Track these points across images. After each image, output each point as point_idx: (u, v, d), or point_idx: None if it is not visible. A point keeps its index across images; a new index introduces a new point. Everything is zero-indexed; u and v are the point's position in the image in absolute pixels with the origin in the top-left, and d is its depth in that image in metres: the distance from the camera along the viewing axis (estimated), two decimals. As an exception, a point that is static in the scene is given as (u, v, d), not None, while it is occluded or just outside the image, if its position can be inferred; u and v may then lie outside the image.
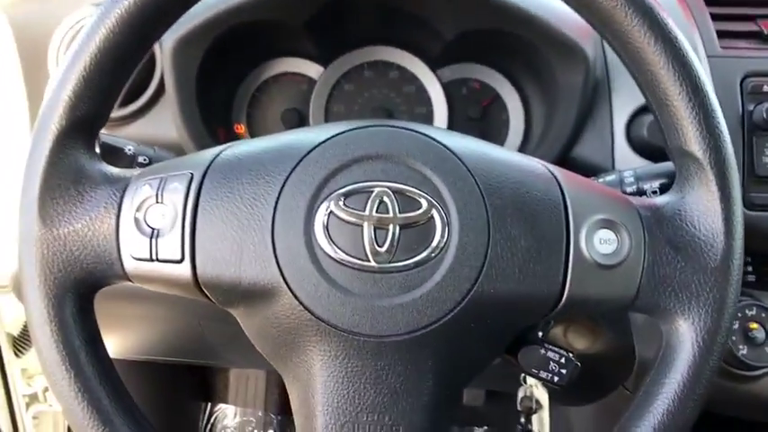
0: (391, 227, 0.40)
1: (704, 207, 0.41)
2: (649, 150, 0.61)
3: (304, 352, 0.41)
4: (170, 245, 0.41)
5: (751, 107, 0.59)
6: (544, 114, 0.69)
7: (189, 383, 1.28)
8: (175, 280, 0.41)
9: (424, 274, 0.39)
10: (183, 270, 0.41)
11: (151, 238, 0.41)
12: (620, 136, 0.62)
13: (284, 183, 0.41)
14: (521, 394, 0.70)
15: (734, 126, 0.59)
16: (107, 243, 0.41)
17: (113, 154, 0.55)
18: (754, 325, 0.61)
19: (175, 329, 0.95)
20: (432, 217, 0.40)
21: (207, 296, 0.42)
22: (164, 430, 1.16)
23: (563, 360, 0.49)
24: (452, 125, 0.75)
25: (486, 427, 1.19)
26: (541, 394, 0.63)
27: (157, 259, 0.41)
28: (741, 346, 0.60)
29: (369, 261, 0.39)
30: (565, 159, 0.65)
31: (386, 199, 0.40)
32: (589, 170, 0.59)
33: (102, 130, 0.46)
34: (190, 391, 1.30)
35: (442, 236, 0.40)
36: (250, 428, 1.34)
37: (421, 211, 0.40)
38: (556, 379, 0.49)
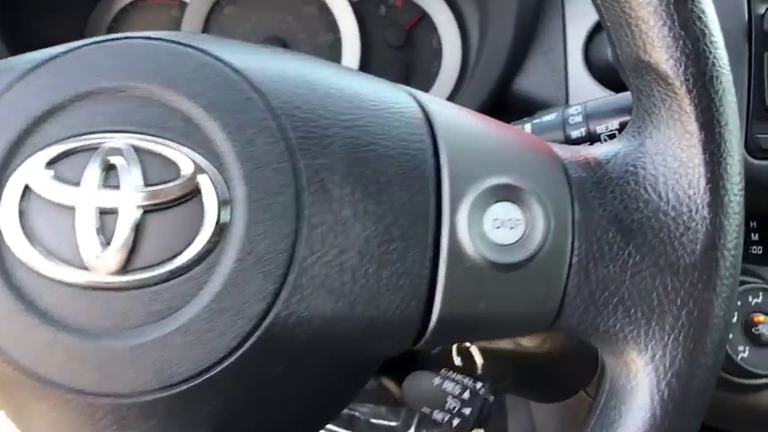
0: (126, 211, 0.23)
1: (675, 159, 0.25)
2: (616, 79, 0.43)
3: (24, 412, 0.26)
4: None
5: (762, 10, 0.40)
6: (480, 36, 0.51)
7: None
8: None
9: (185, 291, 0.23)
10: None
11: None
12: (575, 60, 0.45)
13: None
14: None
15: (736, 36, 0.40)
16: None
17: None
18: (760, 317, 0.44)
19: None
20: (199, 191, 0.23)
21: None
22: None
23: (466, 395, 0.33)
24: (367, 56, 0.57)
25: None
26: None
27: None
28: (741, 348, 0.44)
29: (87, 270, 0.23)
30: (504, 95, 0.48)
31: (119, 162, 0.23)
32: (536, 109, 0.42)
33: None
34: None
35: (218, 224, 0.23)
36: None
37: (180, 181, 0.23)
38: (455, 422, 0.33)
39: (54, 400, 0.24)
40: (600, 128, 0.35)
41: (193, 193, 0.23)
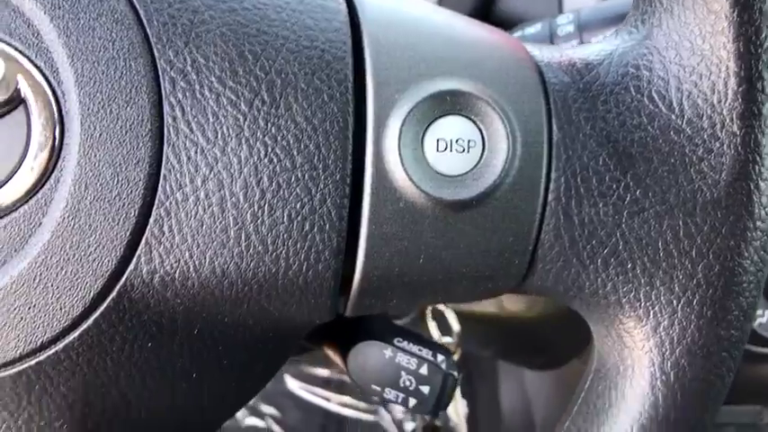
0: None
1: (694, 53, 0.18)
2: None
3: None
4: None
5: None
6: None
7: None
8: None
9: (6, 240, 0.17)
10: None
11: None
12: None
13: None
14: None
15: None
16: None
17: None
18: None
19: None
20: (21, 100, 0.17)
21: None
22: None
23: (424, 369, 0.26)
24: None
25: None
26: (454, 408, 0.42)
27: None
28: (759, 311, 0.38)
29: None
30: (487, 16, 0.41)
31: None
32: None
33: None
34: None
35: (50, 147, 0.17)
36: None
37: None
38: (412, 402, 0.27)
39: None
40: (596, 40, 0.28)
41: (13, 102, 0.17)
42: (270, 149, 0.17)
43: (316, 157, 0.17)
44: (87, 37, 0.17)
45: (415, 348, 0.27)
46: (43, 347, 0.17)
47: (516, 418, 0.70)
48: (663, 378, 0.18)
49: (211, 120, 0.17)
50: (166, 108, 0.17)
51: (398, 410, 1.03)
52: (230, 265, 0.17)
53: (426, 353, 0.27)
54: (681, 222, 0.18)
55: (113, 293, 0.17)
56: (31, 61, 0.17)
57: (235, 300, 0.18)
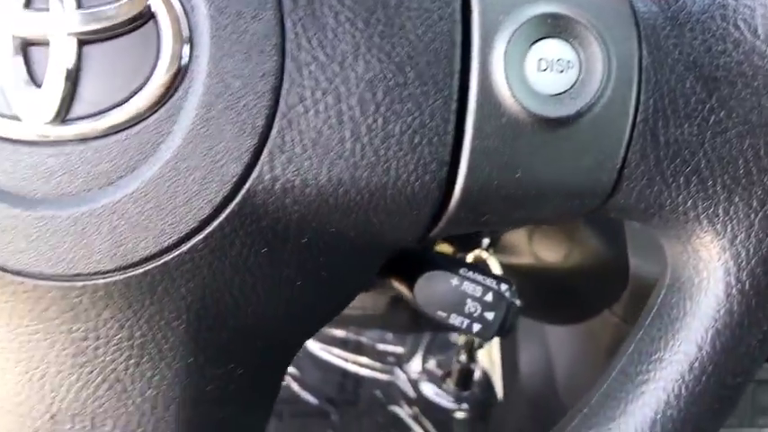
0: (56, 40, 0.18)
1: None
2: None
3: None
4: None
5: None
6: None
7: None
8: None
9: (138, 147, 0.18)
10: None
11: None
12: None
13: None
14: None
15: None
16: None
17: None
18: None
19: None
20: (151, 14, 0.18)
21: None
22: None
23: (489, 297, 0.28)
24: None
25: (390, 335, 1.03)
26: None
27: None
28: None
29: (17, 119, 0.18)
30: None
31: None
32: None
33: None
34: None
35: (176, 57, 0.18)
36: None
37: (125, 0, 0.18)
38: (476, 328, 0.28)
39: None
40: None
41: (144, 16, 0.18)
42: (384, 66, 0.18)
43: (426, 74, 0.18)
44: None
45: (479, 278, 0.28)
46: (169, 249, 0.19)
47: (536, 375, 0.72)
48: (738, 287, 0.20)
49: (330, 37, 0.18)
50: (288, 24, 0.18)
51: (414, 371, 1.06)
52: (345, 175, 0.18)
53: (491, 282, 0.28)
54: (762, 141, 0.19)
55: (237, 199, 0.18)
56: None
57: (345, 209, 0.19)
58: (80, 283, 0.19)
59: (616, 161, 0.20)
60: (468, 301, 0.28)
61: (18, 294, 0.19)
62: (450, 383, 0.54)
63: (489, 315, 0.28)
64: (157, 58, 0.18)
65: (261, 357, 0.22)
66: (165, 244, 0.18)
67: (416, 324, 1.07)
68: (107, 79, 0.18)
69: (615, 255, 0.43)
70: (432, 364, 1.05)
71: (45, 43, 0.18)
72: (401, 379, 1.04)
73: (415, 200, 0.19)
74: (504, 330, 0.28)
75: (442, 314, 0.28)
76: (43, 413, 0.21)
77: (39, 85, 0.18)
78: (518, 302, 0.28)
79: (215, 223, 0.18)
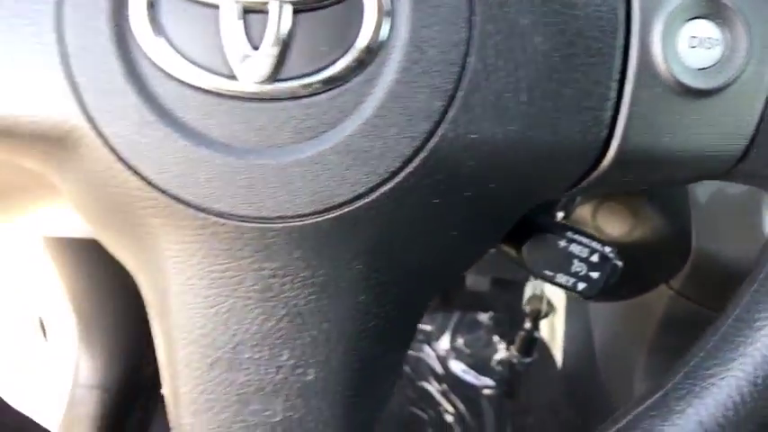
0: (275, 7, 0.20)
1: None
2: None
3: (146, 242, 0.24)
4: None
5: None
6: None
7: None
8: None
9: (342, 105, 0.21)
10: None
11: None
12: None
13: None
14: (528, 292, 0.54)
15: None
16: None
17: None
18: None
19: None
20: None
21: None
22: (135, 310, 1.07)
23: (595, 258, 0.31)
24: None
25: (491, 313, 1.06)
26: (556, 294, 0.46)
27: None
28: None
29: (235, 78, 0.20)
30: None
31: None
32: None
33: None
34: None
35: (378, 26, 0.20)
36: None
37: None
38: (581, 286, 0.31)
39: (190, 225, 0.22)
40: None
41: (351, -10, 0.20)
42: (558, 39, 0.21)
43: (593, 47, 0.21)
44: None
45: (585, 240, 0.31)
46: (361, 196, 0.21)
47: (573, 349, 0.75)
48: None
49: (512, 14, 0.20)
50: (476, 1, 0.20)
51: (442, 348, 1.09)
52: (518, 134, 0.21)
53: (596, 244, 0.31)
54: None
55: (424, 153, 0.21)
56: None
57: (512, 164, 0.22)
58: (279, 225, 0.21)
59: (749, 131, 0.22)
60: (575, 261, 0.30)
61: (217, 235, 0.22)
62: (513, 350, 0.57)
63: (594, 275, 0.30)
64: (360, 26, 0.20)
65: (413, 299, 0.25)
66: (358, 192, 0.21)
67: (445, 303, 1.10)
68: (316, 44, 0.20)
69: (678, 230, 0.46)
70: (460, 342, 1.08)
71: (263, 11, 0.20)
72: (430, 356, 1.07)
73: (574, 158, 0.22)
74: (606, 289, 0.31)
75: (548, 273, 0.31)
76: (225, 343, 0.23)
77: (255, 48, 0.20)
78: (620, 264, 0.31)
79: (402, 174, 0.21)
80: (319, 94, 0.20)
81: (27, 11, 0.21)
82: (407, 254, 0.23)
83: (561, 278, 0.31)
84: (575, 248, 0.31)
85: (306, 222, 0.21)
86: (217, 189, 0.21)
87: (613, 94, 0.21)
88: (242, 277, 0.22)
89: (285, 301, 0.23)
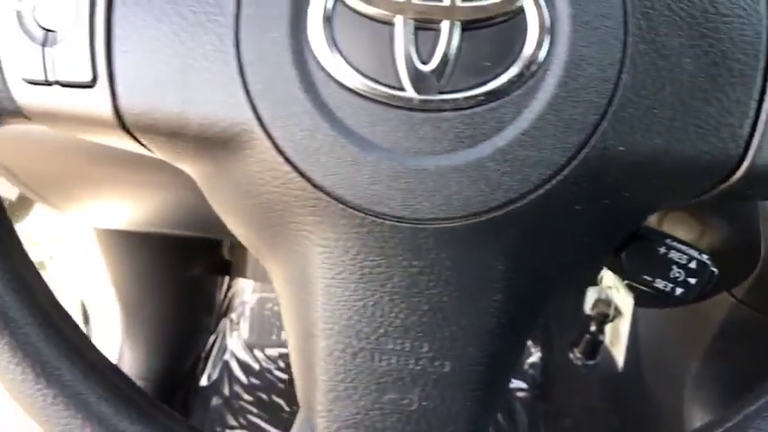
0: (446, 26, 0.22)
1: None
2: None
3: (296, 238, 0.25)
4: (72, 56, 0.24)
5: None
6: None
7: (206, 257, 1.19)
8: (87, 116, 0.25)
9: (501, 116, 0.22)
10: (97, 99, 0.24)
11: (44, 45, 0.24)
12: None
13: None
14: (593, 296, 0.56)
15: None
16: None
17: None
18: None
19: (183, 200, 0.83)
20: (521, 9, 0.22)
21: (142, 143, 0.26)
22: (178, 303, 1.09)
23: (693, 264, 0.32)
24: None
25: None
26: (623, 298, 0.48)
27: (56, 81, 0.24)
28: None
29: (403, 90, 0.22)
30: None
31: None
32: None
33: None
34: (207, 266, 1.21)
35: (540, 43, 0.22)
36: (269, 305, 1.27)
37: None
38: (678, 291, 0.32)
39: (348, 224, 0.23)
40: None
41: (515, 11, 0.22)
42: (702, 60, 0.22)
43: (735, 69, 0.22)
44: None
45: (683, 248, 0.32)
46: (512, 202, 0.23)
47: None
48: None
49: (661, 35, 0.22)
50: (630, 23, 0.22)
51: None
52: (662, 148, 0.22)
53: (694, 252, 0.32)
54: None
55: (574, 163, 0.22)
56: None
57: (651, 174, 0.23)
58: (431, 227, 0.23)
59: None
60: (674, 267, 0.32)
61: (372, 234, 0.23)
62: (577, 352, 0.59)
63: (692, 280, 0.32)
64: (522, 45, 0.22)
65: (539, 301, 0.26)
66: (510, 197, 0.22)
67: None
68: (480, 59, 0.22)
69: (746, 239, 0.47)
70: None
71: (434, 29, 0.22)
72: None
73: (709, 171, 0.23)
74: (702, 295, 0.32)
75: (647, 278, 0.32)
76: (369, 335, 0.25)
77: (424, 62, 0.22)
78: (716, 271, 0.32)
79: (552, 182, 0.22)
80: (480, 105, 0.22)
81: (206, 21, 0.23)
82: (542, 257, 0.25)
83: (660, 283, 0.32)
84: (674, 255, 0.32)
85: (457, 224, 0.23)
86: (378, 191, 0.23)
87: (752, 113, 0.23)
88: (391, 273, 0.24)
89: (429, 297, 0.24)
